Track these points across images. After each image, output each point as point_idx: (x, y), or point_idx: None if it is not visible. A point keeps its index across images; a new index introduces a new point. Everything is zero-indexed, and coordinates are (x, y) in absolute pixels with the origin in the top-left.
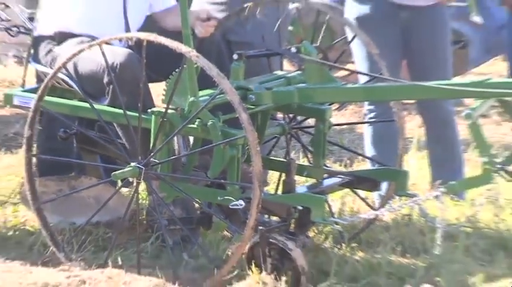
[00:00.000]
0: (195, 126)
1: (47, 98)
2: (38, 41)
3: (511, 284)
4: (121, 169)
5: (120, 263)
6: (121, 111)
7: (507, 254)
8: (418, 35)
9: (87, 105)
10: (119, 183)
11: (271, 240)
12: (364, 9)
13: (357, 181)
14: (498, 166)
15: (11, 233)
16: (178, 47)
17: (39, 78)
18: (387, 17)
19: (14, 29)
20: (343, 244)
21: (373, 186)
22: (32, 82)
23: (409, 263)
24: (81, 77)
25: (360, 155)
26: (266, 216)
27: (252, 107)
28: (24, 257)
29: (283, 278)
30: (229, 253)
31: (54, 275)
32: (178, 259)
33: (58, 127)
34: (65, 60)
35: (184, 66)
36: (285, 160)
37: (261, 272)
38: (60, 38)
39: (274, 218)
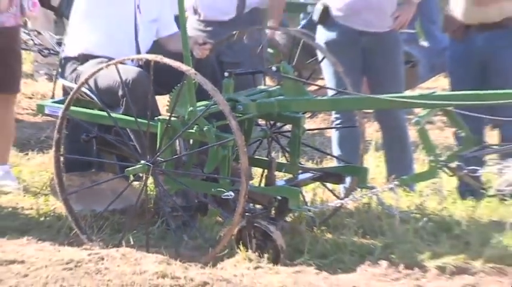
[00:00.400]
0: (193, 131)
1: (72, 108)
2: (64, 61)
3: (453, 260)
4: (133, 166)
5: (132, 243)
6: (133, 118)
7: (449, 236)
8: (376, 56)
9: (105, 114)
10: (131, 177)
11: (255, 224)
12: (332, 35)
13: (326, 176)
14: (441, 163)
15: (42, 218)
16: (179, 66)
17: (66, 91)
18: (350, 41)
19: (45, 51)
20: (315, 227)
21: (339, 180)
22: (59, 95)
23: (368, 243)
24: (100, 91)
25: (328, 154)
26: (251, 204)
27: (240, 115)
28: (53, 238)
29: (266, 255)
30: (221, 235)
31: (77, 253)
32: (179, 240)
33: (81, 132)
34: (87, 77)
35: (185, 82)
36: (266, 159)
37: (247, 250)
38: (83, 58)
39: (258, 206)
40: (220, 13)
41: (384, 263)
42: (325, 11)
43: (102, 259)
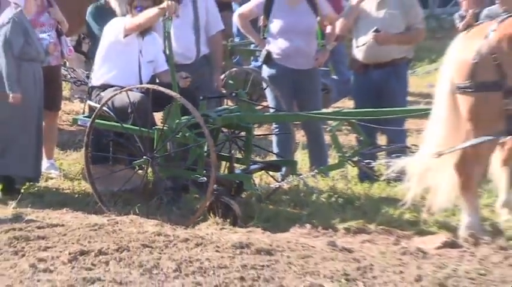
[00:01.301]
0: (179, 136)
1: (96, 120)
2: (91, 89)
3: (355, 224)
4: (138, 160)
5: (137, 212)
6: (138, 128)
7: (352, 207)
8: (302, 85)
9: (119, 124)
10: (137, 168)
11: (221, 199)
12: (273, 71)
13: (268, 166)
14: (347, 158)
15: (76, 196)
16: (169, 92)
17: (91, 109)
18: (285, 76)
19: (78, 82)
20: (261, 201)
21: (277, 169)
22: (87, 112)
23: (297, 212)
24: (115, 109)
25: (270, 152)
26: (218, 186)
27: (211, 125)
28: (84, 209)
29: (228, 220)
30: (198, 207)
31: (100, 219)
32: (170, 210)
33: (103, 137)
34: (107, 99)
35: (173, 103)
36: (228, 155)
37: (215, 217)
38: (104, 87)
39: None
40: (183, 58)
41: (308, 225)
42: (268, 55)
43: (117, 223)
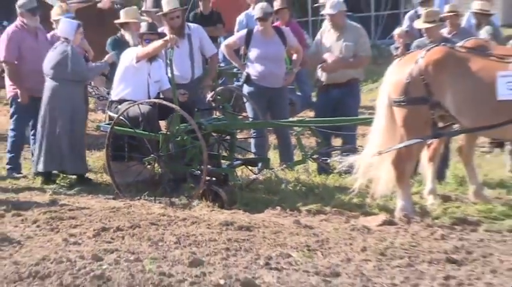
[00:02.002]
0: (179, 139)
1: (115, 127)
2: (110, 103)
3: (315, 207)
4: (147, 157)
5: (146, 197)
6: (147, 133)
7: (312, 194)
8: (274, 100)
9: (132, 130)
10: (146, 163)
11: (211, 188)
12: (251, 89)
13: (248, 162)
14: (308, 155)
15: (99, 185)
16: (171, 105)
17: (111, 118)
18: (261, 93)
19: (101, 97)
20: (242, 189)
21: (255, 164)
22: (107, 120)
23: (270, 198)
24: (129, 118)
25: (249, 151)
26: (209, 177)
27: (203, 131)
28: (105, 195)
29: (216, 204)
30: (193, 193)
31: (117, 203)
32: (172, 196)
33: (120, 139)
34: (123, 111)
35: (174, 114)
36: (217, 153)
37: (207, 201)
38: (120, 101)
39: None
40: (181, 78)
41: (278, 208)
42: (248, 76)
43: (130, 206)
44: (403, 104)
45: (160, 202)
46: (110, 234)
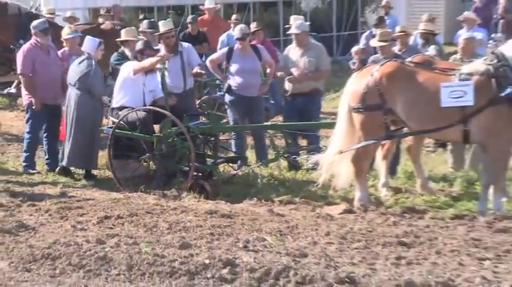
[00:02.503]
0: (170, 140)
1: (116, 130)
2: (112, 109)
3: (286, 198)
4: (143, 156)
5: (143, 190)
6: (143, 135)
7: (284, 187)
8: (251, 107)
9: (130, 133)
10: (143, 161)
11: (198, 182)
12: (232, 97)
13: (229, 160)
14: (280, 154)
15: (102, 179)
16: (164, 112)
17: (113, 123)
18: (240, 100)
19: (104, 105)
20: (224, 183)
21: (235, 162)
22: (110, 124)
23: (248, 190)
24: (128, 123)
25: (230, 150)
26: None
27: (192, 133)
28: (107, 188)
29: (203, 195)
30: (183, 186)
31: (118, 195)
32: (165, 189)
33: (120, 140)
34: (122, 117)
35: (166, 118)
36: (202, 152)
37: (194, 193)
38: (120, 108)
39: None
40: (175, 88)
41: (255, 199)
42: (229, 87)
43: (129, 197)
44: (360, 110)
45: (154, 194)
46: (111, 221)
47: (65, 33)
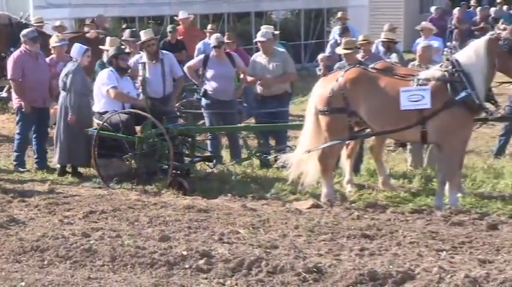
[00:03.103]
0: (151, 141)
1: (100, 131)
2: (97, 113)
3: (258, 194)
4: (125, 155)
5: (125, 187)
6: (125, 135)
7: (256, 183)
8: (226, 110)
9: (114, 133)
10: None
11: (177, 179)
12: (207, 101)
13: (205, 159)
14: (253, 153)
15: (87, 177)
16: (145, 115)
17: (97, 125)
18: (216, 104)
19: None
20: (201, 180)
21: (211, 160)
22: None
23: (223, 187)
24: (112, 124)
25: (206, 150)
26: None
27: (172, 134)
28: (92, 185)
29: (181, 192)
30: (163, 183)
31: (102, 191)
32: (146, 185)
33: (104, 141)
34: (106, 118)
35: (147, 121)
36: (181, 152)
37: (173, 190)
38: (104, 112)
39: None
40: (155, 94)
41: (229, 195)
42: (205, 91)
43: (112, 193)
44: (326, 113)
45: (136, 190)
46: (96, 216)
47: (53, 41)
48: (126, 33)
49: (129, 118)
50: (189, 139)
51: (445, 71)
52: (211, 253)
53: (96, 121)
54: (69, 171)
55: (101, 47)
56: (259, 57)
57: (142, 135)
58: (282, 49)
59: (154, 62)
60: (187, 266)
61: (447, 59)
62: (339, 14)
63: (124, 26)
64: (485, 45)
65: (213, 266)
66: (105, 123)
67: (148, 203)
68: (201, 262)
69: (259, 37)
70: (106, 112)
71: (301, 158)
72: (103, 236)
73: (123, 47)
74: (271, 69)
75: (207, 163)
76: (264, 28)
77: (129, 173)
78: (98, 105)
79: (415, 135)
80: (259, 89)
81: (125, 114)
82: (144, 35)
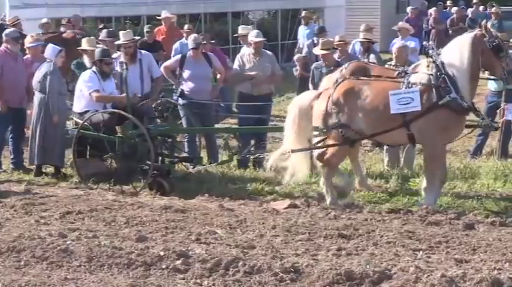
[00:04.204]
0: (132, 141)
1: (81, 131)
2: (77, 113)
3: (235, 193)
4: (106, 155)
5: (102, 187)
6: (106, 135)
7: (233, 184)
8: (203, 110)
9: (95, 134)
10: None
11: (157, 179)
12: (184, 101)
13: (184, 160)
14: (234, 154)
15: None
16: (126, 114)
17: (77, 123)
18: (192, 104)
19: None
20: (179, 180)
21: (190, 161)
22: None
23: (200, 187)
24: (92, 124)
25: (185, 152)
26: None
27: (152, 134)
28: (69, 185)
29: (159, 193)
30: (143, 184)
31: (79, 191)
32: (124, 185)
33: (85, 140)
34: (87, 118)
35: (127, 120)
36: (161, 152)
37: (152, 190)
38: (86, 111)
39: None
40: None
41: (206, 195)
42: (182, 91)
43: (89, 194)
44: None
45: (113, 191)
46: (72, 216)
47: (28, 42)
48: (103, 33)
49: (111, 117)
50: (169, 140)
51: (430, 74)
52: (189, 253)
53: (76, 120)
54: (45, 171)
55: (79, 48)
56: (247, 57)
57: (123, 135)
58: (267, 51)
59: (132, 63)
60: (164, 266)
61: (433, 61)
62: (303, 13)
63: (101, 26)
64: (470, 43)
65: (190, 266)
66: (85, 123)
67: (125, 204)
68: (178, 262)
69: (252, 37)
70: (87, 112)
71: (283, 158)
72: (80, 236)
73: (99, 46)
74: (261, 69)
75: (185, 162)
76: (244, 29)
77: (108, 173)
78: (78, 106)
79: (402, 138)
80: (246, 88)
81: (106, 114)
82: (123, 37)
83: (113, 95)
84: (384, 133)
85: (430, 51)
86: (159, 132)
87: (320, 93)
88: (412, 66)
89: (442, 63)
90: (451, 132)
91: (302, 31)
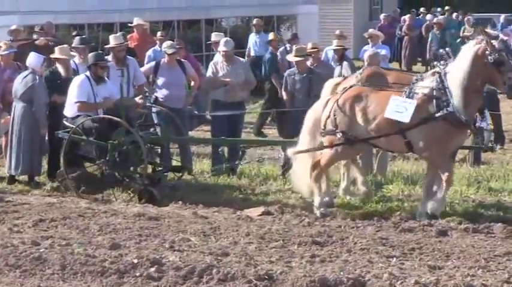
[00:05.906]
0: (124, 148)
1: (72, 135)
2: (67, 118)
3: (210, 201)
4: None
5: (75, 195)
6: (97, 141)
7: (208, 192)
8: (177, 118)
9: (85, 138)
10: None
11: (147, 188)
12: (158, 109)
13: (174, 169)
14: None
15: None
16: (119, 121)
17: (65, 127)
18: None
19: None
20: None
21: (180, 171)
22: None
23: (174, 194)
24: (84, 129)
25: (176, 161)
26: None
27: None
28: (41, 193)
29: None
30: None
31: (52, 199)
32: (112, 192)
33: (76, 146)
34: (79, 123)
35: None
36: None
37: (143, 198)
38: (78, 116)
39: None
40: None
41: (180, 202)
42: (156, 98)
43: (62, 202)
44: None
45: (87, 199)
46: (46, 224)
47: (1, 50)
48: (76, 41)
49: (104, 123)
50: (158, 148)
51: (432, 86)
52: (162, 261)
53: (66, 124)
54: (18, 179)
55: (52, 56)
56: (220, 65)
57: (115, 141)
58: (240, 58)
59: (121, 67)
60: (138, 274)
61: (437, 72)
62: (254, 21)
63: (74, 33)
64: (471, 56)
65: (164, 274)
66: (77, 128)
67: (98, 211)
68: (152, 269)
69: (222, 47)
70: (78, 116)
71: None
72: (53, 244)
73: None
74: (234, 77)
75: (175, 171)
76: (217, 36)
77: (97, 179)
78: (70, 111)
79: (400, 145)
80: (220, 95)
81: (98, 119)
82: (113, 40)
83: (102, 101)
84: (377, 137)
85: (435, 63)
86: (151, 140)
87: (328, 100)
88: (428, 73)
89: (446, 74)
90: (448, 145)
91: (253, 39)
